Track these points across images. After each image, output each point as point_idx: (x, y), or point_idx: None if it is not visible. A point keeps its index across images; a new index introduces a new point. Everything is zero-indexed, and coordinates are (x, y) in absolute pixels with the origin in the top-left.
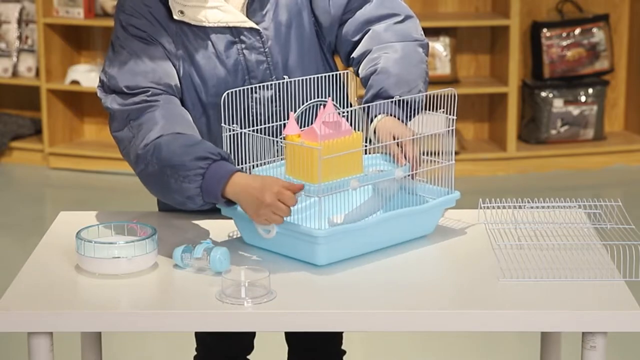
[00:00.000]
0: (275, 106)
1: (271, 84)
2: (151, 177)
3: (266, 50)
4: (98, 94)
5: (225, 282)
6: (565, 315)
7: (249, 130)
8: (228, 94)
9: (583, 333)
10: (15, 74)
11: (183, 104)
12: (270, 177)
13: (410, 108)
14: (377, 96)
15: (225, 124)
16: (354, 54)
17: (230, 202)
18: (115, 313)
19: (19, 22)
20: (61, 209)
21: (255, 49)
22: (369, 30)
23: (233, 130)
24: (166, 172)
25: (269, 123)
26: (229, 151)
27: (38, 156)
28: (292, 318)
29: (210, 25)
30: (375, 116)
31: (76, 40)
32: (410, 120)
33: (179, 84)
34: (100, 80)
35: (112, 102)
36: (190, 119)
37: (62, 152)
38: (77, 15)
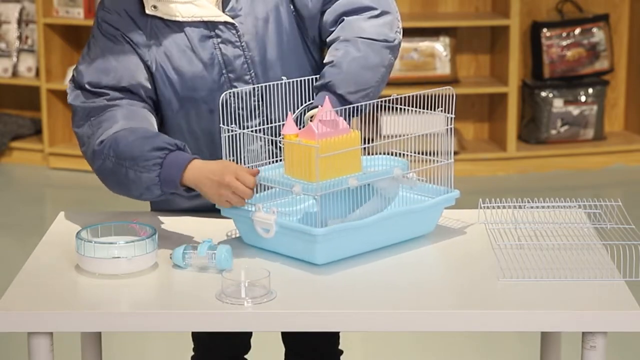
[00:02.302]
0: (260, 105)
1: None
2: (108, 171)
3: (243, 44)
4: (67, 87)
5: (225, 282)
6: (565, 315)
7: (249, 131)
8: (227, 94)
9: (583, 333)
10: (15, 74)
11: (158, 99)
12: (228, 161)
13: (354, 110)
14: (324, 87)
15: (223, 124)
16: (328, 42)
17: (189, 190)
18: (115, 313)
19: (19, 22)
20: (61, 209)
21: (232, 43)
22: (343, 20)
23: (232, 131)
24: (124, 164)
25: (252, 120)
26: (228, 151)
27: (38, 156)
28: (292, 318)
29: (185, 19)
30: (317, 106)
31: (76, 40)
32: (348, 119)
33: (148, 84)
34: (72, 74)
35: (75, 99)
36: (154, 120)
37: (62, 152)
38: (77, 15)
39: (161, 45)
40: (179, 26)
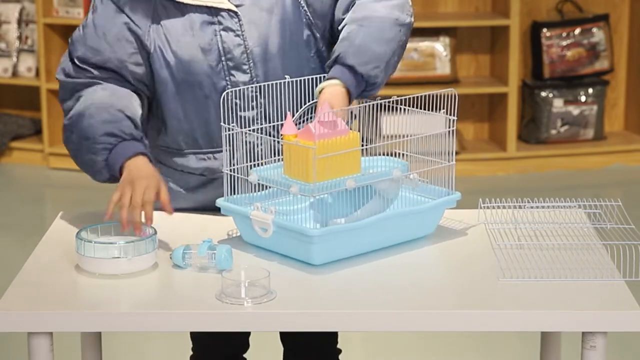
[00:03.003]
0: (257, 97)
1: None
2: (72, 145)
3: (243, 33)
4: (61, 58)
5: (225, 282)
6: (565, 315)
7: (248, 130)
8: (227, 93)
9: (583, 333)
10: (15, 74)
11: (154, 83)
12: (159, 176)
13: (367, 83)
14: (335, 61)
15: (224, 123)
16: (340, 28)
17: None
18: (115, 313)
19: (19, 22)
20: (61, 209)
21: (233, 31)
22: (354, 3)
23: (231, 130)
24: (82, 142)
25: (249, 111)
26: (228, 151)
27: (38, 156)
28: (292, 318)
29: (189, 2)
30: (330, 79)
31: None
32: (361, 95)
33: (138, 69)
34: (69, 41)
35: (60, 72)
36: (136, 101)
37: (62, 152)
38: (77, 15)
39: (162, 26)
40: (182, 9)
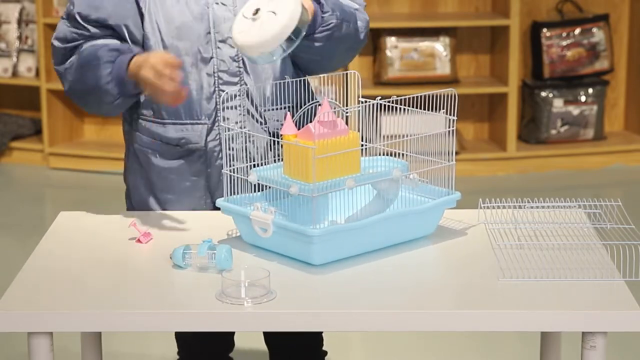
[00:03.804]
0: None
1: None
2: (74, 83)
3: (235, 9)
4: (57, 24)
5: (225, 281)
6: (565, 315)
7: (247, 130)
8: (227, 93)
9: (583, 333)
10: (15, 74)
11: (144, 47)
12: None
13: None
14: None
15: (223, 123)
16: None
17: (140, 87)
18: (115, 313)
19: (19, 22)
20: (61, 209)
21: (225, 5)
22: None
23: (230, 130)
24: (84, 67)
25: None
26: (227, 150)
27: (38, 156)
28: (292, 318)
29: None
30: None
31: None
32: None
33: (135, 30)
34: (66, 6)
35: (56, 39)
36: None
37: (62, 152)
38: None
39: None
40: None
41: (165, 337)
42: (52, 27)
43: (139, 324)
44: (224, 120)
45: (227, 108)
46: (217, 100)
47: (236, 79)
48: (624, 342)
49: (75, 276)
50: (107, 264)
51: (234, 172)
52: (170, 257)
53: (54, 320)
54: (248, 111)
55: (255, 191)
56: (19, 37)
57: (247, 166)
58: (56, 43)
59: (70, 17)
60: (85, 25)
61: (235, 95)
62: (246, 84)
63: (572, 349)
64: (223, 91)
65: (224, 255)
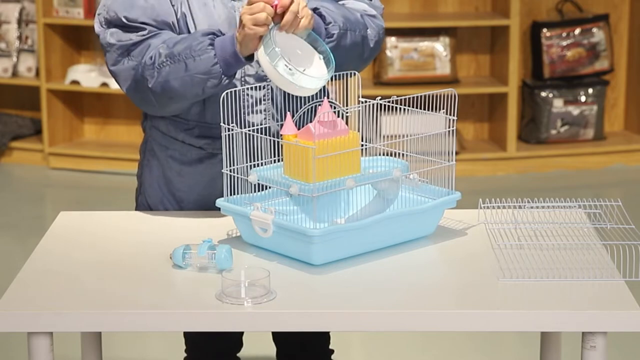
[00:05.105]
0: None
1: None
2: (168, 76)
3: None
4: (96, 30)
5: (225, 281)
6: (565, 315)
7: (248, 130)
8: (227, 93)
9: (583, 333)
10: (15, 74)
11: None
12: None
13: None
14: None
15: (224, 122)
16: None
17: (249, 58)
18: (115, 313)
19: (19, 22)
20: (61, 209)
21: None
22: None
23: (232, 130)
24: (181, 57)
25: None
26: (227, 150)
27: (38, 156)
28: (292, 318)
29: None
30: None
31: (76, 40)
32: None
33: (176, 23)
34: (98, 16)
35: (111, 37)
36: None
37: (62, 152)
38: (77, 15)
39: None
40: None
41: (165, 337)
42: (52, 27)
43: (139, 324)
44: (224, 121)
45: (253, 112)
46: (242, 104)
47: (262, 84)
48: (624, 342)
49: (75, 276)
50: (107, 264)
51: (234, 172)
52: (170, 257)
53: (54, 320)
54: (273, 116)
55: (255, 191)
56: (19, 37)
57: (247, 166)
58: (113, 41)
59: (117, 25)
60: (138, 25)
61: (261, 100)
62: (272, 89)
63: (572, 349)
64: (249, 95)
65: (224, 255)
